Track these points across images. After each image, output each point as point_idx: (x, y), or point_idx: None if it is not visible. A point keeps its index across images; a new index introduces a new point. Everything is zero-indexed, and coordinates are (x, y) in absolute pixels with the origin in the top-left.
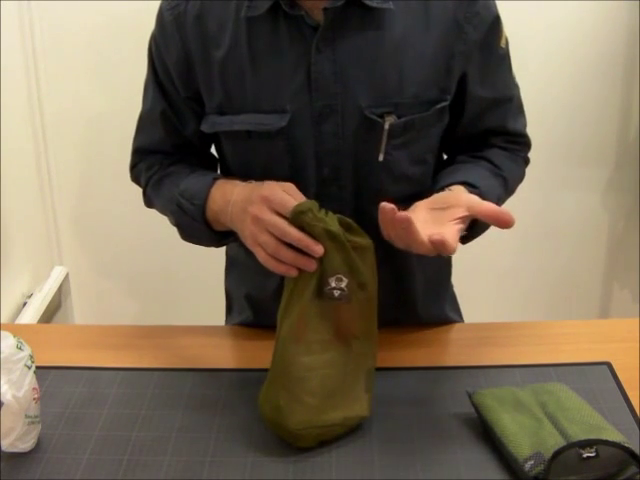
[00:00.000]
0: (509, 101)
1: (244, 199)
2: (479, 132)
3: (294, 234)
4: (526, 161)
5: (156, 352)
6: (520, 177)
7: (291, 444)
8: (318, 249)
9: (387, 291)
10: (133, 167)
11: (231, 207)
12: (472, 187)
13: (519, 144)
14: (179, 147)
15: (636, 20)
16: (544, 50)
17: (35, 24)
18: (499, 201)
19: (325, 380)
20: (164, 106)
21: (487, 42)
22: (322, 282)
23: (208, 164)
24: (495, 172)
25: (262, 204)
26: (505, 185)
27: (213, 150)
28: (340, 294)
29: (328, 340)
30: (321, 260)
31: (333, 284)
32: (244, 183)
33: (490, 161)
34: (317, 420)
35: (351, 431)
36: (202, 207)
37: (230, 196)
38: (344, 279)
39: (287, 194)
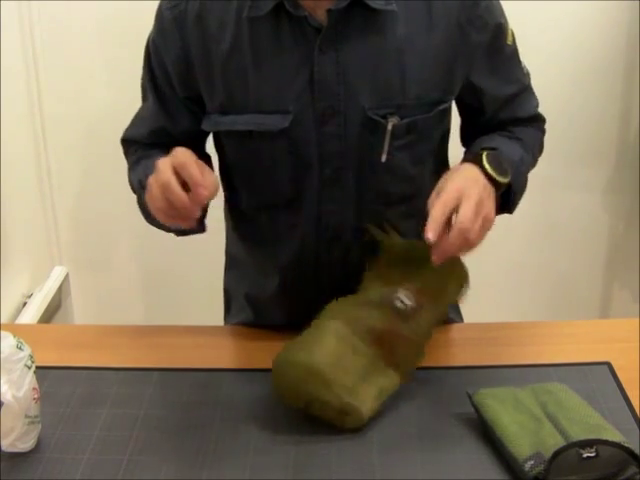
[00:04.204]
0: (522, 92)
1: None
2: (496, 124)
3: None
4: (543, 132)
5: (156, 352)
6: (540, 141)
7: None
8: (202, 189)
9: None
10: (127, 154)
11: None
12: (492, 149)
13: (533, 123)
14: (165, 145)
15: (636, 20)
16: (544, 50)
17: (35, 24)
18: (521, 160)
19: (343, 356)
20: (156, 109)
21: (494, 45)
22: (391, 290)
23: None
24: (510, 136)
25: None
26: (524, 146)
27: (209, 150)
28: (399, 306)
29: (365, 349)
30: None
31: (400, 295)
32: None
33: (504, 130)
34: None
35: (345, 431)
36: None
37: None
38: (411, 298)
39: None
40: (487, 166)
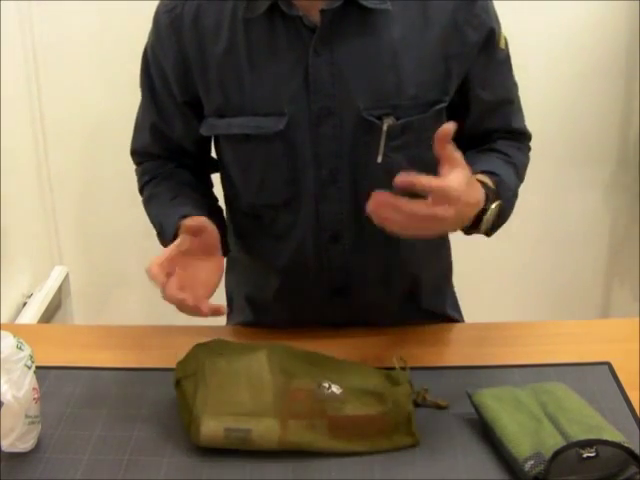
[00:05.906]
0: (510, 102)
1: None
2: (482, 132)
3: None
4: (529, 149)
5: (156, 352)
6: (526, 165)
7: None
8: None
9: (395, 282)
10: (137, 166)
11: None
12: (493, 174)
13: (521, 140)
14: (171, 152)
15: (636, 20)
16: (544, 50)
17: (35, 24)
18: (516, 188)
19: (241, 376)
20: (154, 117)
21: (487, 45)
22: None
23: (206, 168)
24: (507, 160)
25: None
26: (517, 172)
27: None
28: (322, 386)
29: (264, 391)
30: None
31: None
32: None
33: (499, 151)
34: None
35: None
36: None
37: None
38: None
39: None
40: (484, 224)
